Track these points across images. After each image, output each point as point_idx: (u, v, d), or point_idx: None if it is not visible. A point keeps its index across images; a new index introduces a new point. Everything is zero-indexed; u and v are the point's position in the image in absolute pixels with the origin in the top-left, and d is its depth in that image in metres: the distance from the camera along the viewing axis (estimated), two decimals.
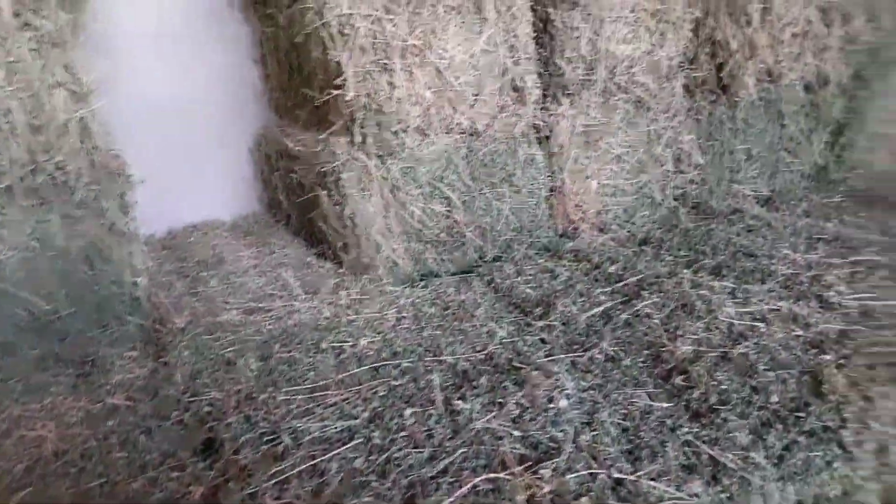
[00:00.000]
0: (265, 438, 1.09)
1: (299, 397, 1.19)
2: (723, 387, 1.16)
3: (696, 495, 0.95)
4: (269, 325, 1.51)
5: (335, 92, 1.75)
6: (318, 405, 1.16)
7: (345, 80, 1.72)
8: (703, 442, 1.05)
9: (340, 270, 1.89)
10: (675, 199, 2.22)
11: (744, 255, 1.72)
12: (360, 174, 1.79)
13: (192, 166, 2.42)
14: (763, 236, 1.86)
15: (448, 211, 1.90)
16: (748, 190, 2.28)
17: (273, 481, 0.99)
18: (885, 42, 2.34)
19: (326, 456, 1.03)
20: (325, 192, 1.89)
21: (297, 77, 2.15)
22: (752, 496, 0.95)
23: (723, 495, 0.95)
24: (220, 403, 1.20)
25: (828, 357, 1.21)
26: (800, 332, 1.31)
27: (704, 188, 2.23)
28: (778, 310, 1.40)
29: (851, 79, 2.37)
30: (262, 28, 2.38)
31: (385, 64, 1.75)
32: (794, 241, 1.79)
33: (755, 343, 1.28)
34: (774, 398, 1.12)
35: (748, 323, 1.36)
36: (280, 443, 1.07)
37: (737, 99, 2.21)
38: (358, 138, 1.80)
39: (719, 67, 2.21)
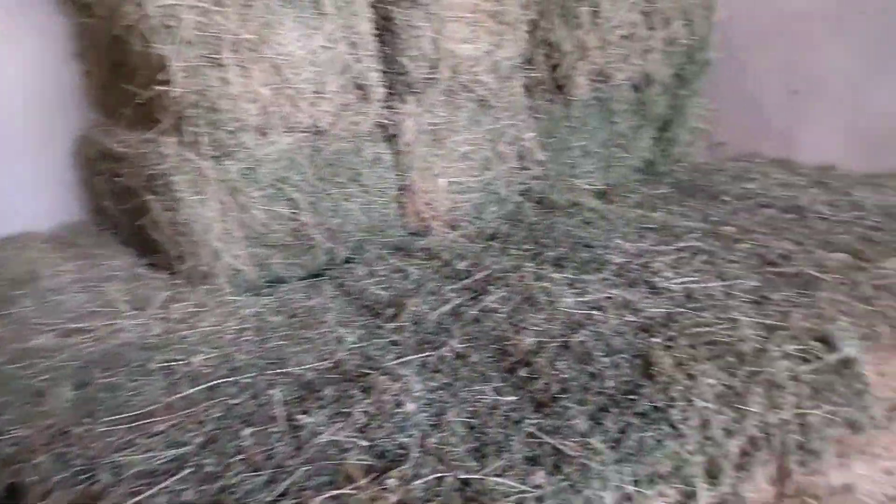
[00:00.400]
0: (80, 477, 0.97)
1: (121, 427, 1.08)
2: (563, 375, 1.20)
3: (540, 486, 0.96)
4: (89, 347, 1.36)
5: (160, 88, 1.61)
6: (144, 434, 1.06)
7: (171, 75, 1.59)
8: (546, 432, 1.07)
9: (176, 281, 1.75)
10: (520, 195, 2.29)
11: (582, 246, 1.80)
12: (193, 176, 1.67)
13: (3, 172, 2.16)
14: (599, 228, 1.96)
15: (294, 213, 1.83)
16: (585, 184, 2.40)
17: None
18: (699, 44, 2.55)
19: (151, 491, 0.93)
20: (155, 196, 1.74)
21: (119, 72, 1.97)
22: (592, 481, 0.98)
23: (564, 483, 0.97)
24: (28, 442, 1.06)
25: (656, 340, 1.28)
26: (631, 318, 1.38)
27: (546, 183, 2.31)
28: (612, 297, 1.47)
29: (673, 78, 2.57)
30: (79, 19, 2.16)
31: (216, 59, 1.64)
32: (625, 231, 1.90)
33: (592, 331, 1.34)
34: (609, 383, 1.17)
35: (585, 312, 1.41)
36: (97, 481, 0.95)
37: (571, 98, 2.32)
38: (189, 138, 1.67)
39: (554, 68, 2.31)
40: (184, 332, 1.43)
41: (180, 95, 1.60)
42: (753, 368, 1.21)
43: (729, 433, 1.11)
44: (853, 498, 1.19)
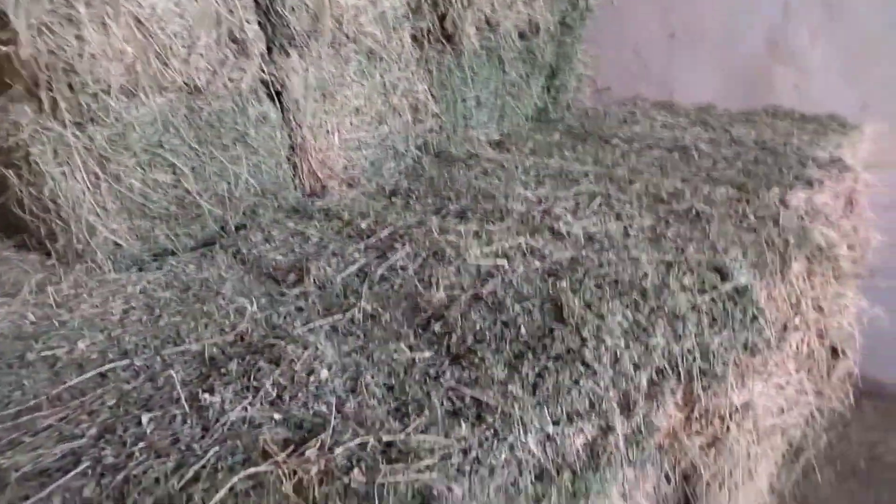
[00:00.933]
0: None
1: (2, 426, 0.96)
2: (477, 327, 1.19)
3: (464, 438, 0.95)
4: None
5: (4, 49, 1.42)
6: (29, 432, 0.95)
7: (15, 34, 1.41)
8: (465, 385, 1.06)
9: (49, 262, 1.59)
10: (418, 149, 2.24)
11: (483, 197, 1.79)
12: (54, 146, 1.50)
13: None
14: (498, 177, 1.96)
15: (176, 180, 1.69)
16: (481, 135, 2.39)
17: None
18: None
19: (44, 492, 0.84)
20: (12, 171, 1.56)
21: None
22: (515, 425, 0.98)
23: (488, 433, 0.97)
24: None
25: (564, 283, 1.30)
26: (538, 264, 1.39)
27: (443, 136, 2.28)
28: (517, 245, 1.48)
29: (557, 26, 2.58)
30: None
31: (68, 14, 1.46)
32: (525, 180, 1.91)
33: (501, 280, 1.34)
34: (523, 330, 1.18)
35: (493, 262, 1.41)
36: None
37: (461, 48, 2.28)
38: (47, 103, 1.49)
39: (442, 17, 2.25)
40: (64, 317, 1.30)
41: (30, 56, 1.42)
42: (656, 303, 1.25)
43: (638, 366, 1.15)
44: (752, 414, 1.27)
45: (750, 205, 1.61)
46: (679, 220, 1.58)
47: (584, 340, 1.14)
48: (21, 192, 1.57)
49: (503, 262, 1.42)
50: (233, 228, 1.81)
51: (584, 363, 1.10)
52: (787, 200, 1.63)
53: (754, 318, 1.28)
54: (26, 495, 0.84)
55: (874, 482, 2.29)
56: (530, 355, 1.12)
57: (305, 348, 1.14)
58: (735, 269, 1.33)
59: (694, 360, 1.22)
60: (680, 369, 1.19)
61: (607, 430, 1.07)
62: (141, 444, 0.92)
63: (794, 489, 1.66)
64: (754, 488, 1.43)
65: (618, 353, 1.14)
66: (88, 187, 1.53)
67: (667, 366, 1.18)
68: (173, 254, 1.70)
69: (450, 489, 0.87)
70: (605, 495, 1.05)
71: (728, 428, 1.28)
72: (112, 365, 1.12)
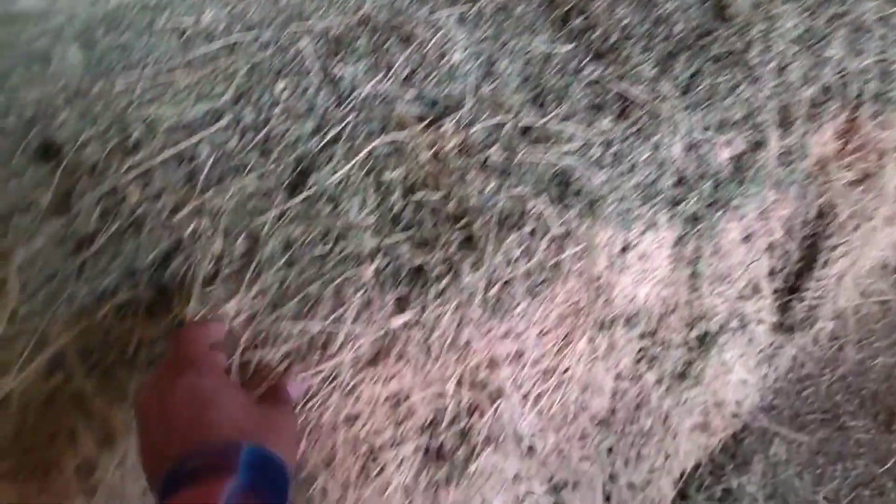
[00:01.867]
0: (111, 132, 0.89)
1: (142, 84, 0.97)
2: (624, 22, 1.06)
3: (606, 131, 0.90)
4: (81, 9, 1.19)
5: None
6: (168, 90, 0.96)
7: None
8: (609, 80, 0.97)
9: None
10: None
11: None
12: None
13: None
14: None
15: None
16: None
17: (133, 174, 0.83)
18: None
19: (192, 140, 0.87)
20: None
21: None
22: (662, 125, 0.91)
23: (633, 128, 0.91)
24: (47, 101, 0.97)
25: None
26: None
27: None
28: None
29: None
30: None
31: None
32: None
33: None
34: (678, 27, 1.04)
35: None
36: (131, 135, 0.88)
37: None
38: None
39: None
40: None
41: None
42: (838, 9, 1.07)
43: (805, 80, 1.02)
44: None
45: None
46: None
47: (748, 44, 1.01)
48: None
49: None
50: None
51: (747, 67, 0.98)
52: None
53: None
54: (176, 142, 0.86)
55: None
56: (684, 56, 1.00)
57: (436, 32, 1.06)
58: None
59: (868, 81, 1.07)
60: (850, 89, 1.05)
61: (758, 144, 0.99)
62: (278, 108, 0.92)
63: None
64: (889, 238, 1.35)
65: (785, 62, 1.01)
66: None
67: (837, 83, 1.04)
68: None
69: (590, 176, 0.83)
70: (742, 211, 1.00)
71: (884, 164, 1.16)
72: (240, 35, 1.08)
